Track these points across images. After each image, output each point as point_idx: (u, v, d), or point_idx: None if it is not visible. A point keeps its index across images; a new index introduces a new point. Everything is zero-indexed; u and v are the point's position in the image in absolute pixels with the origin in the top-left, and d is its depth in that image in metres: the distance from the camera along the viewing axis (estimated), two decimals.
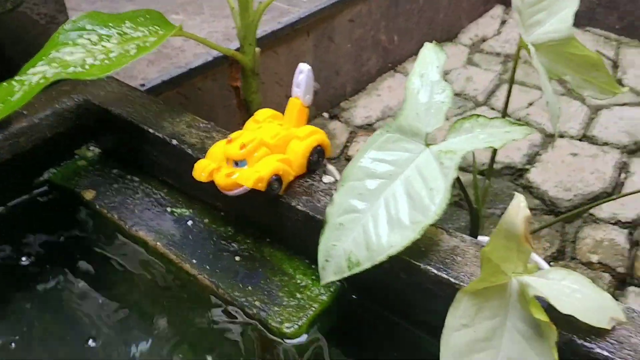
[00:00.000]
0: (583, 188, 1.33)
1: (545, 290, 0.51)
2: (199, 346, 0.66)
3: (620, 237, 1.23)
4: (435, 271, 0.59)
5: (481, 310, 0.54)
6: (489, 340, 0.54)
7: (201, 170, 0.66)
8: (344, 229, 0.61)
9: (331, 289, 0.67)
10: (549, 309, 0.51)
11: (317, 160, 0.70)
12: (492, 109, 1.59)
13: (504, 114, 0.76)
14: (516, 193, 0.48)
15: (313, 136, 0.69)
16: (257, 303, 0.65)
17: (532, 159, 1.42)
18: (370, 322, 0.67)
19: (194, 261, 0.70)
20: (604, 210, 1.29)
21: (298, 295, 0.66)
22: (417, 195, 0.60)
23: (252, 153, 0.65)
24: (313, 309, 0.65)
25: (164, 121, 0.80)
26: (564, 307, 0.51)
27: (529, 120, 1.55)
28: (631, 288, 1.14)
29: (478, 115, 0.61)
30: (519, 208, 0.47)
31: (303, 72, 0.69)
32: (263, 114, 0.71)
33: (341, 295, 0.67)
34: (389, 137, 0.62)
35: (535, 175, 1.37)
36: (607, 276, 1.15)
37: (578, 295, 0.53)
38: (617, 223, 1.26)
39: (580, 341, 0.52)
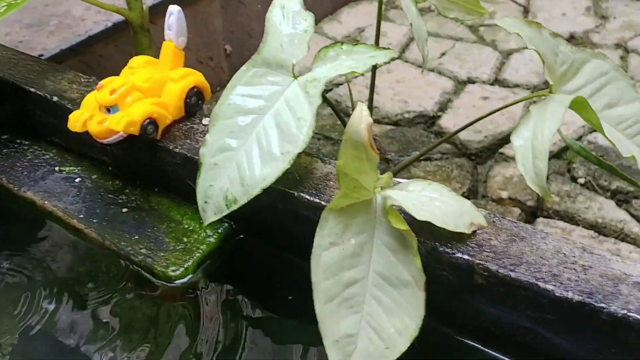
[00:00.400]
0: (493, 129, 1.37)
1: (403, 201, 0.53)
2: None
3: None
4: (309, 197, 0.60)
5: (348, 227, 0.55)
6: (358, 256, 0.55)
7: (75, 121, 0.65)
8: (219, 168, 0.62)
9: (219, 231, 0.67)
10: (412, 221, 0.53)
11: (195, 102, 0.69)
12: (406, 61, 1.62)
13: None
14: (359, 102, 0.50)
15: (188, 77, 0.69)
16: (143, 251, 0.65)
17: (444, 106, 1.45)
18: (259, 259, 0.68)
19: (81, 216, 0.69)
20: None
21: (185, 240, 0.67)
22: (286, 126, 0.60)
23: (124, 98, 0.64)
24: (200, 251, 0.66)
25: (46, 80, 0.78)
26: (420, 214, 0.52)
27: (441, 69, 1.58)
28: (540, 219, 1.19)
29: (342, 43, 0.62)
30: (361, 116, 0.48)
31: (173, 13, 0.68)
32: (137, 61, 0.70)
33: (229, 235, 0.68)
34: (256, 72, 0.62)
35: (446, 121, 1.40)
36: (517, 210, 1.20)
37: (437, 203, 0.55)
38: None
39: (442, 248, 0.54)
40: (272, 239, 0.66)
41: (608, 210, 1.25)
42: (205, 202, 0.62)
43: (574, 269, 0.50)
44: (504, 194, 1.23)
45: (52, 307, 0.63)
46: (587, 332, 0.49)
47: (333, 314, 0.55)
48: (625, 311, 0.46)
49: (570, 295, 0.48)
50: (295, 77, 0.62)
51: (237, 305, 0.64)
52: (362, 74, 1.49)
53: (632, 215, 1.15)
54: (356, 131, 0.48)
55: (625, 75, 0.71)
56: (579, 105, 0.64)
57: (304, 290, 0.54)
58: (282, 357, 0.61)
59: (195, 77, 0.69)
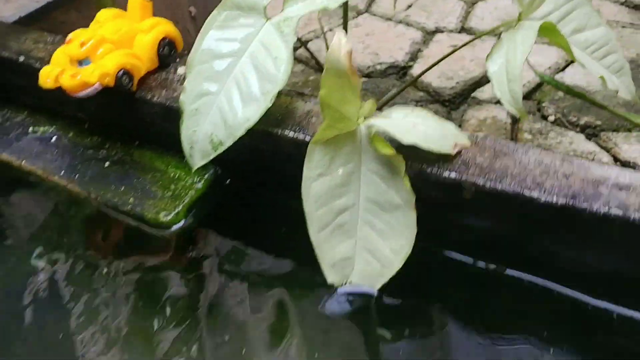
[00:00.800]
0: (464, 75, 1.38)
1: (388, 127, 0.54)
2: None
3: (502, 113, 1.30)
4: (292, 133, 0.60)
5: (335, 158, 0.56)
6: (347, 184, 0.56)
7: (46, 77, 0.64)
8: (200, 113, 0.61)
9: (205, 177, 0.67)
10: (399, 147, 0.54)
11: (168, 53, 0.69)
12: (374, 15, 1.61)
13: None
14: (336, 31, 0.50)
15: (158, 27, 0.68)
16: (131, 200, 0.65)
17: (414, 56, 1.46)
18: (248, 202, 0.68)
19: (62, 173, 0.69)
20: (485, 92, 1.35)
21: (172, 187, 0.67)
22: (264, 66, 0.60)
23: (95, 50, 0.63)
24: (189, 196, 0.66)
25: (10, 42, 0.76)
26: (405, 138, 0.53)
27: (409, 21, 1.58)
28: None
29: None
30: (340, 44, 0.48)
31: None
32: (105, 14, 0.69)
33: (216, 181, 0.68)
34: (228, 15, 0.62)
35: (418, 70, 1.41)
36: None
37: (421, 127, 0.56)
38: (499, 102, 1.32)
39: (429, 169, 0.55)
40: (259, 181, 0.67)
41: (578, 144, 1.27)
42: (191, 147, 0.62)
43: (556, 176, 0.52)
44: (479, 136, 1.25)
45: (37, 265, 0.63)
46: (573, 233, 0.51)
47: (328, 240, 0.56)
48: (606, 208, 0.48)
49: (554, 199, 0.50)
50: (268, 19, 0.62)
51: (231, 250, 0.65)
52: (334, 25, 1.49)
53: (601, 147, 1.18)
54: (337, 59, 0.48)
55: (589, 1, 0.72)
56: (548, 31, 0.65)
57: (295, 227, 0.55)
58: (280, 297, 0.61)
59: (166, 27, 0.68)
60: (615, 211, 0.48)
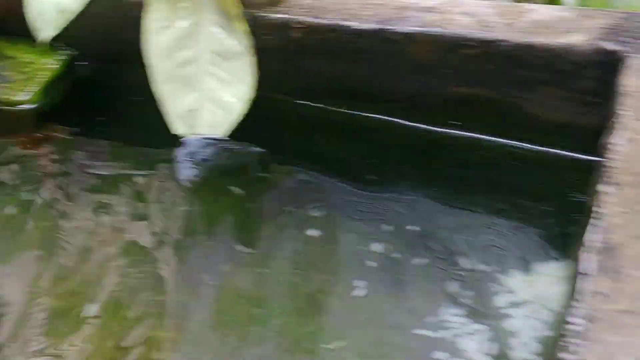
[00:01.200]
0: None
1: None
2: None
3: None
4: None
5: (177, 11, 0.59)
6: (190, 36, 0.60)
7: None
8: None
9: (61, 58, 0.69)
10: None
11: None
12: None
13: None
14: None
15: None
16: None
17: None
18: (104, 80, 0.71)
19: None
20: None
21: (26, 70, 0.68)
22: None
23: None
24: (45, 76, 0.67)
25: None
26: None
27: None
28: None
29: None
30: None
31: None
32: None
33: (70, 62, 0.69)
34: None
35: None
36: None
37: None
38: None
39: (261, 14, 0.60)
40: (114, 59, 0.69)
41: None
42: (39, 18, 0.63)
43: (371, 8, 0.58)
44: None
45: None
46: (383, 55, 0.58)
47: (173, 92, 0.59)
48: (411, 28, 0.56)
49: (369, 26, 0.57)
50: None
51: (90, 127, 0.67)
52: None
53: None
54: None
55: None
56: None
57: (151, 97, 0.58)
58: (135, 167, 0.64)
59: None
60: (419, 29, 0.56)
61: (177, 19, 0.59)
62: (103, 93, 0.70)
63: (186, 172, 0.61)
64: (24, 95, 0.65)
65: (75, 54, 0.69)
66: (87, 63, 0.70)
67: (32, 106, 0.65)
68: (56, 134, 0.66)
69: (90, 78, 0.70)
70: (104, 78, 0.70)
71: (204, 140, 0.62)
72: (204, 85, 0.60)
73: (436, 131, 0.60)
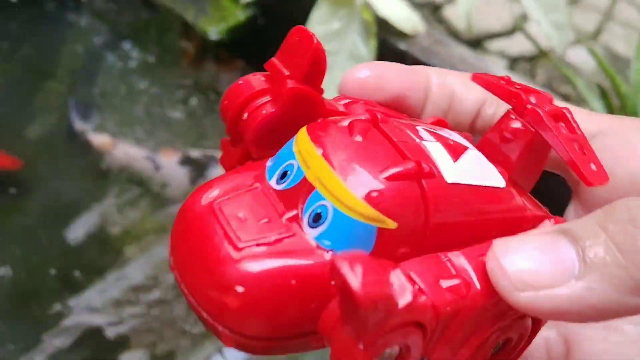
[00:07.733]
0: None
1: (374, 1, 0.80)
2: None
3: None
4: None
5: (336, 14, 0.82)
6: (338, 34, 0.83)
7: None
8: None
9: (247, 14, 0.95)
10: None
11: None
12: None
13: None
14: None
15: None
16: None
17: None
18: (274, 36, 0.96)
19: None
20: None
21: (223, 13, 0.95)
22: None
23: None
24: (233, 21, 0.94)
25: None
26: (381, 10, 0.80)
27: None
28: None
29: None
30: None
31: None
32: None
33: (254, 18, 0.95)
34: None
35: None
36: None
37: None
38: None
39: (392, 40, 0.82)
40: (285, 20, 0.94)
41: None
42: None
43: None
44: None
45: None
46: None
47: None
48: None
49: None
50: None
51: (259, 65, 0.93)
52: None
53: None
54: None
55: None
56: None
57: None
58: None
59: None
60: None
61: (334, 20, 0.82)
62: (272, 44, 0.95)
63: None
64: (215, 29, 0.92)
65: (256, 14, 0.95)
66: (264, 22, 0.95)
67: (218, 38, 0.92)
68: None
69: (265, 30, 0.95)
70: (275, 32, 0.95)
71: None
72: (332, 74, 0.83)
73: None
